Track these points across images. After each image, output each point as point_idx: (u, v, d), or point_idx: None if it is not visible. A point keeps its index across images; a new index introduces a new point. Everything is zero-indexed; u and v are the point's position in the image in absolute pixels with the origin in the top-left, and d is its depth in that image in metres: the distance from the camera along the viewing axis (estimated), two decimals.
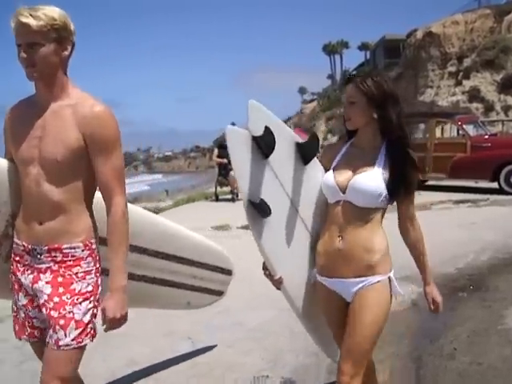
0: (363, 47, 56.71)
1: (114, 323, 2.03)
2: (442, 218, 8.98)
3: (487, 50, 27.50)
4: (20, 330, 2.17)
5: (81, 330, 2.02)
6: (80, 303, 2.02)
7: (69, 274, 2.02)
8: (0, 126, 2.18)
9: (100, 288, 2.11)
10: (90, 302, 2.06)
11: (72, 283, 2.02)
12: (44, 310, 2.02)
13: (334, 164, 2.30)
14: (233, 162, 2.15)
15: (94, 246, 2.08)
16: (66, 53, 2.03)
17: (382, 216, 2.25)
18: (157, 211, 11.49)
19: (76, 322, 2.01)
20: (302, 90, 78.35)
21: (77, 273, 2.03)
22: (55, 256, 2.02)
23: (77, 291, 2.02)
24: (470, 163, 12.06)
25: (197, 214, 10.90)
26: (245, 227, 7.86)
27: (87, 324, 2.04)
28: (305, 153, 2.29)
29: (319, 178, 2.32)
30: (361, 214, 2.20)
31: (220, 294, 3.33)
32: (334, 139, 31.77)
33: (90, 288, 2.06)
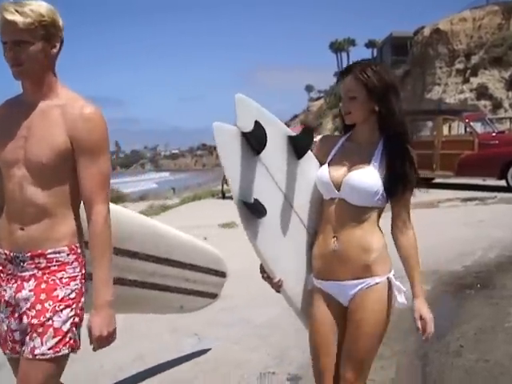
0: (370, 45, 56.61)
1: (101, 341, 1.90)
2: (449, 215, 8.96)
3: (495, 47, 27.36)
4: (3, 343, 2.00)
5: (59, 338, 1.87)
6: (61, 311, 1.89)
7: (52, 280, 1.90)
8: None
9: (83, 296, 1.98)
10: (72, 310, 1.91)
11: (55, 289, 1.89)
12: (25, 318, 1.89)
13: (330, 158, 2.17)
14: (222, 160, 2.02)
15: (79, 251, 1.96)
16: (55, 50, 1.92)
17: (379, 216, 2.12)
18: (164, 208, 11.54)
19: (55, 329, 1.86)
20: (309, 88, 78.33)
21: (61, 278, 1.90)
22: (39, 262, 1.90)
23: (59, 298, 1.89)
24: (477, 161, 12.01)
25: (203, 212, 10.93)
26: None
27: (66, 333, 1.89)
28: (298, 146, 2.16)
29: (314, 172, 2.20)
30: (356, 213, 2.06)
31: (214, 296, 3.24)
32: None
33: (73, 295, 1.92)
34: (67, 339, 1.89)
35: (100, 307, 1.89)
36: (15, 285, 1.92)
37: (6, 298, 1.95)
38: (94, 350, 1.94)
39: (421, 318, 2.05)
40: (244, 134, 2.03)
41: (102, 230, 1.90)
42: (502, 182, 11.76)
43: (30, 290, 1.89)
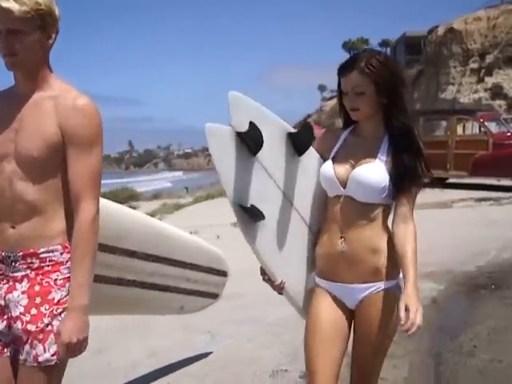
0: (383, 44, 56.27)
1: (70, 349, 1.75)
2: (463, 215, 8.90)
3: (510, 47, 27.14)
4: None
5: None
6: (59, 314, 1.79)
7: (47, 282, 1.80)
8: None
9: None
10: None
11: (50, 292, 1.79)
12: (19, 323, 1.79)
13: (333, 154, 2.06)
14: (216, 163, 1.92)
15: None
16: (50, 41, 1.83)
17: (388, 214, 2.01)
18: (177, 207, 11.61)
19: (55, 335, 1.77)
20: (322, 88, 78.04)
21: (56, 279, 1.80)
22: (31, 262, 1.80)
23: (56, 301, 1.79)
24: (491, 161, 11.91)
25: (216, 211, 10.94)
26: None
27: None
28: (299, 143, 2.05)
29: (316, 169, 2.09)
30: (364, 211, 1.96)
31: (215, 296, 3.17)
32: None
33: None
34: None
35: (73, 311, 1.75)
36: (6, 285, 1.82)
37: None
38: (59, 357, 1.79)
39: (406, 308, 1.78)
40: (239, 134, 1.93)
41: (88, 228, 1.78)
42: None
43: (23, 292, 1.80)
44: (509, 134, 12.51)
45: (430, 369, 3.47)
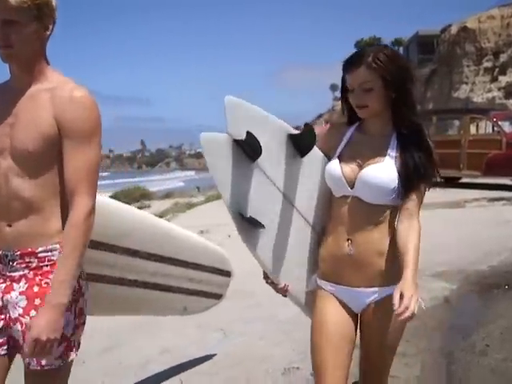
0: (396, 43, 55.97)
1: (37, 346, 1.63)
2: (476, 215, 8.84)
3: None
4: None
5: (65, 345, 1.76)
6: None
7: (46, 283, 1.74)
8: None
9: (85, 294, 1.85)
10: (72, 313, 1.77)
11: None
12: (19, 325, 1.74)
13: (339, 152, 1.98)
14: (213, 173, 1.87)
15: None
16: (48, 32, 1.77)
17: (396, 215, 1.93)
18: (189, 206, 11.65)
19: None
20: (334, 87, 77.83)
21: None
22: (29, 262, 1.75)
23: None
24: (505, 160, 11.80)
25: (227, 210, 10.97)
26: None
27: (70, 338, 1.78)
28: (301, 145, 1.99)
29: (319, 167, 2.03)
30: (372, 213, 1.90)
31: (219, 297, 3.11)
32: None
33: (70, 297, 1.75)
34: (72, 344, 1.79)
35: (50, 308, 1.65)
36: (3, 285, 1.78)
37: None
38: (24, 355, 1.72)
39: (401, 296, 1.69)
40: (237, 142, 1.89)
41: (80, 225, 1.70)
42: None
43: (21, 293, 1.74)
44: None
45: (442, 368, 3.46)
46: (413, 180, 1.87)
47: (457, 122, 13.81)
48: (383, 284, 1.90)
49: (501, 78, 27.17)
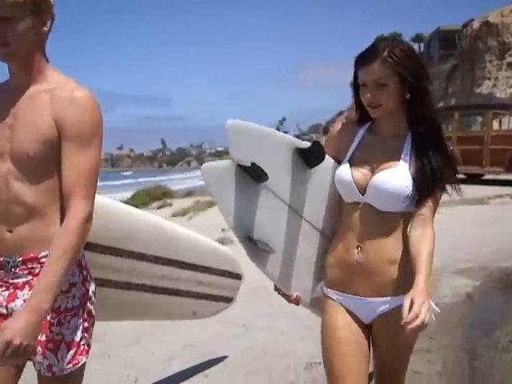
0: (417, 39, 55.40)
1: (9, 348, 1.52)
2: (499, 212, 8.77)
3: None
4: None
5: (74, 350, 1.73)
6: (68, 321, 1.72)
7: None
8: None
9: (93, 298, 1.81)
10: (79, 318, 1.74)
11: (55, 299, 1.65)
12: None
13: (349, 155, 1.89)
14: (217, 199, 1.89)
15: None
16: (46, 28, 1.71)
17: (409, 222, 1.83)
18: (210, 204, 11.73)
19: (67, 343, 1.71)
20: None
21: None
22: (32, 268, 1.69)
23: (62, 309, 1.71)
24: None
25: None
26: None
27: (80, 342, 1.74)
28: (309, 157, 1.93)
29: (329, 173, 1.95)
30: (384, 220, 1.81)
31: (229, 300, 3.02)
32: None
33: (76, 302, 1.73)
34: (82, 348, 1.76)
35: (28, 312, 1.56)
36: (7, 292, 1.72)
37: None
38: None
39: (411, 303, 1.56)
40: (241, 166, 1.87)
41: (75, 229, 1.62)
42: None
43: (26, 301, 1.66)
44: None
45: (464, 364, 3.46)
46: (429, 186, 1.78)
47: (479, 118, 13.66)
48: (395, 294, 1.80)
49: None
